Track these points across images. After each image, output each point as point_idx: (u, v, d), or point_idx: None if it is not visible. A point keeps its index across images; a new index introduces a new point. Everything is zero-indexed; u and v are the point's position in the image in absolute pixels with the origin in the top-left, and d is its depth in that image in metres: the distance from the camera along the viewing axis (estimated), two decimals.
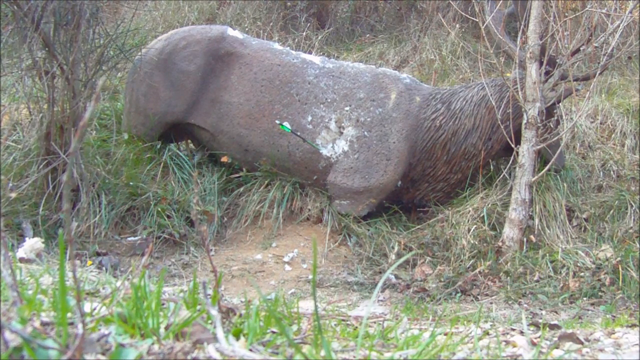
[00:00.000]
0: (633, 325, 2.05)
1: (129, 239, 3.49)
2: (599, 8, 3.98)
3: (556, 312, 2.96)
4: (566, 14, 4.04)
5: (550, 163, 3.60)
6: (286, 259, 3.59)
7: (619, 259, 3.31)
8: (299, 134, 3.84)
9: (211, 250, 3.62)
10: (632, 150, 4.59)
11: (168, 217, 3.63)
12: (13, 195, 3.23)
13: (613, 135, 4.74)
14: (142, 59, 3.83)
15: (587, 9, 3.90)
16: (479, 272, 3.35)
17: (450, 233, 3.65)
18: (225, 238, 3.80)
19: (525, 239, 3.57)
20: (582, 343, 1.43)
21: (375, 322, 1.72)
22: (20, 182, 3.35)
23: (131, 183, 3.65)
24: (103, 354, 0.80)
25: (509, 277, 3.33)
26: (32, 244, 2.17)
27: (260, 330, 0.99)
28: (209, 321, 0.98)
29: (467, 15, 4.72)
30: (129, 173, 3.71)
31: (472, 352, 1.09)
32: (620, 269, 3.26)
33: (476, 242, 3.56)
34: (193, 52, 3.95)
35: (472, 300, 3.18)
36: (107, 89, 4.35)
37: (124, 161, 3.80)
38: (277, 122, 3.86)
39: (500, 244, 3.53)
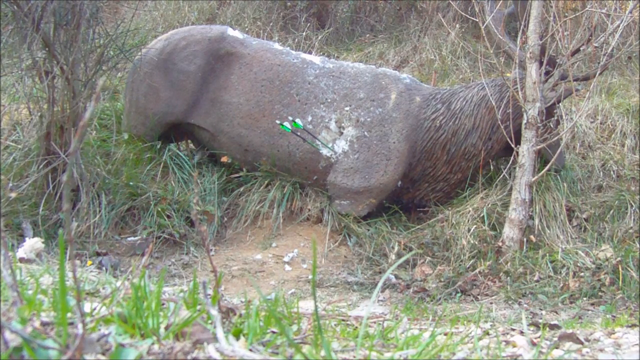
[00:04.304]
0: (633, 325, 2.06)
1: (129, 239, 3.49)
2: (599, 8, 3.98)
3: (556, 312, 2.96)
4: (566, 14, 4.04)
5: (550, 163, 3.59)
6: (286, 259, 3.59)
7: (619, 259, 3.31)
8: (298, 133, 3.84)
9: (211, 250, 3.62)
10: (632, 150, 4.59)
11: (168, 217, 3.63)
12: (13, 195, 3.23)
13: (613, 135, 4.74)
14: (142, 59, 3.83)
15: (587, 9, 3.90)
16: (479, 272, 3.35)
17: (450, 233, 3.65)
18: (225, 238, 3.80)
19: (525, 239, 3.57)
20: (582, 343, 1.43)
21: (375, 322, 1.72)
22: (20, 182, 3.35)
23: (131, 183, 3.65)
24: (103, 354, 0.80)
25: (509, 277, 3.33)
26: (32, 244, 2.16)
27: (260, 330, 0.99)
28: (209, 321, 0.98)
29: (467, 15, 4.72)
30: (129, 173, 3.71)
31: (472, 352, 1.09)
32: (620, 269, 3.26)
33: (476, 242, 3.56)
34: (193, 52, 3.95)
35: (472, 300, 3.18)
36: (107, 89, 4.35)
37: (124, 161, 3.80)
38: (278, 122, 3.86)
39: (500, 244, 3.53)
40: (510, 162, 3.85)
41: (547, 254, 3.46)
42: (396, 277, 3.44)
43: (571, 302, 3.10)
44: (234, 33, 4.13)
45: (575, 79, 3.66)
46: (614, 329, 1.87)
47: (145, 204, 3.63)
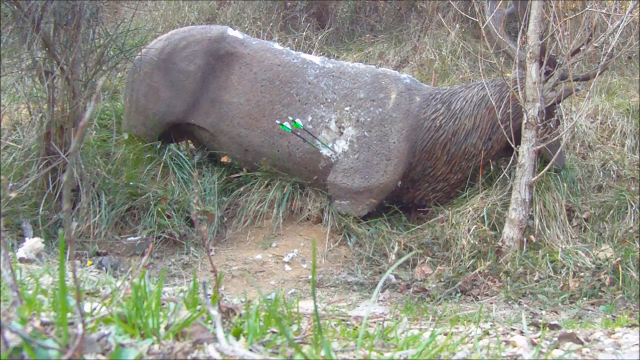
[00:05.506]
0: (633, 325, 2.06)
1: (129, 239, 3.49)
2: (599, 8, 3.98)
3: (556, 312, 2.96)
4: (566, 14, 4.03)
5: (550, 163, 3.59)
6: (286, 259, 3.59)
7: (619, 259, 3.31)
8: (298, 133, 3.84)
9: (211, 250, 3.62)
10: (632, 150, 4.59)
11: (168, 217, 3.63)
12: (13, 195, 3.23)
13: (613, 135, 4.74)
14: (142, 59, 3.83)
15: (587, 9, 3.89)
16: (479, 272, 3.35)
17: (450, 233, 3.65)
18: (225, 238, 3.80)
19: (525, 239, 3.56)
20: (582, 343, 1.43)
21: (375, 322, 1.72)
22: (20, 182, 3.35)
23: (131, 183, 3.65)
24: (103, 354, 0.80)
25: (509, 277, 3.33)
26: (32, 244, 2.17)
27: (260, 330, 0.99)
28: (209, 321, 0.98)
29: (467, 15, 4.72)
30: (129, 173, 3.71)
31: (472, 352, 1.09)
32: (620, 269, 3.26)
33: (476, 242, 3.56)
34: (193, 52, 3.95)
35: (472, 300, 3.18)
36: (107, 89, 4.34)
37: (124, 161, 3.80)
38: (278, 122, 3.86)
39: (500, 244, 3.53)
40: (510, 162, 3.85)
41: (547, 254, 3.46)
42: (396, 277, 3.44)
43: (571, 302, 3.10)
44: (234, 33, 4.13)
45: (575, 79, 3.66)
46: (614, 329, 1.87)
47: (145, 204, 3.63)
